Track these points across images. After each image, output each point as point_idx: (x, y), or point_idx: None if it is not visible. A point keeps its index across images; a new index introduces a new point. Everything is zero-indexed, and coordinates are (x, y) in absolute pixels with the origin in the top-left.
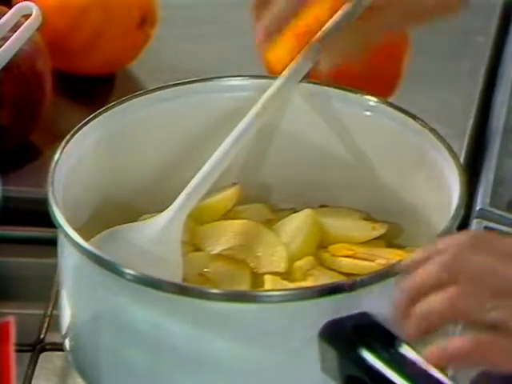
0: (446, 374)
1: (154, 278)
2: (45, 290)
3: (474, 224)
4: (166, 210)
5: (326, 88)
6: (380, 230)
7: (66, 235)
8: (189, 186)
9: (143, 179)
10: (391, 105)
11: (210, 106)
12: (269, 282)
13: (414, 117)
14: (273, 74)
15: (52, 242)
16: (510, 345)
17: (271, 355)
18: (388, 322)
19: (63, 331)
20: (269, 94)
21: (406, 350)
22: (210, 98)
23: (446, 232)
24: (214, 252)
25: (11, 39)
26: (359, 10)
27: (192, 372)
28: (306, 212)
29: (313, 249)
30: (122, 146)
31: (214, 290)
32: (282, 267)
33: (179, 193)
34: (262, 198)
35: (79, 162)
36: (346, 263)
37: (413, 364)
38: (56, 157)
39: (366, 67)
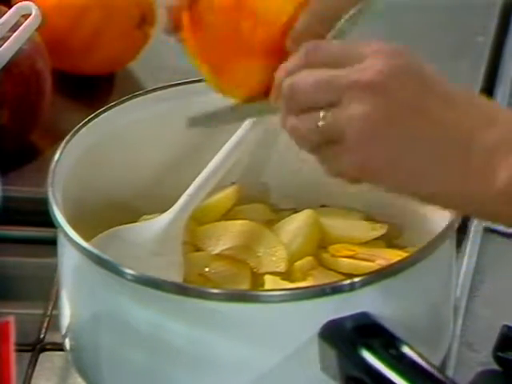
0: (446, 374)
1: (154, 277)
2: (45, 290)
3: (475, 224)
4: (168, 211)
5: None
6: (380, 230)
7: (66, 235)
8: (191, 187)
9: (143, 179)
10: None
11: (210, 106)
12: (269, 281)
13: None
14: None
15: (52, 242)
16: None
17: (271, 355)
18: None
19: (63, 331)
20: None
21: (406, 350)
22: (210, 98)
23: (447, 232)
24: (215, 252)
25: (11, 39)
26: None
27: (192, 372)
28: (307, 212)
29: (313, 249)
30: (122, 146)
31: (215, 290)
32: (282, 267)
33: (179, 193)
34: (263, 198)
35: (79, 162)
36: (346, 263)
37: (413, 364)
38: (56, 157)
39: None
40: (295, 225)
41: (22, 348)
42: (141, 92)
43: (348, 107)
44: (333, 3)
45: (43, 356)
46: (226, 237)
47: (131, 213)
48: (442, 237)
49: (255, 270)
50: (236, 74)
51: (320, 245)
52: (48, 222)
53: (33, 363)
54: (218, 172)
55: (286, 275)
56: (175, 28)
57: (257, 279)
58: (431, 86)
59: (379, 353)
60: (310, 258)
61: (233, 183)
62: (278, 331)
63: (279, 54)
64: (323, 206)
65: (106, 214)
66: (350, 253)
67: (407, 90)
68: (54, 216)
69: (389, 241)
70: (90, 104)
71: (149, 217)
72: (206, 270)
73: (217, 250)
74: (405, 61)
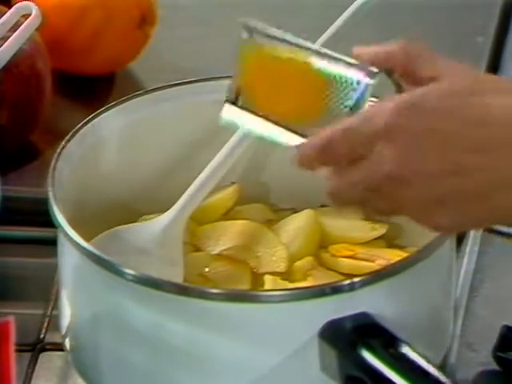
0: (446, 374)
1: (154, 277)
2: (45, 290)
3: None
4: (168, 211)
5: None
6: (380, 230)
7: (66, 235)
8: (191, 187)
9: (143, 179)
10: None
11: (209, 106)
12: (269, 282)
13: None
14: None
15: (52, 242)
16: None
17: (271, 355)
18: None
19: (63, 331)
20: None
21: (406, 350)
22: (209, 98)
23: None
24: (214, 252)
25: (11, 39)
26: None
27: (192, 372)
28: (307, 212)
29: (313, 249)
30: (122, 146)
31: (215, 290)
32: (282, 267)
33: (179, 193)
34: (263, 198)
35: (79, 162)
36: (346, 263)
37: (413, 364)
38: (56, 157)
39: None
40: (295, 225)
41: (22, 348)
42: (141, 92)
43: (390, 200)
44: None
45: (43, 356)
46: (225, 237)
47: (131, 213)
48: (442, 237)
49: (255, 270)
50: None
51: (320, 245)
52: (48, 222)
53: (33, 363)
54: (218, 172)
55: (286, 275)
56: None
57: (257, 279)
58: (454, 138)
59: (379, 353)
60: (309, 258)
61: (233, 183)
62: (277, 331)
63: None
64: (323, 205)
65: (106, 214)
66: (350, 253)
67: (428, 161)
68: (55, 216)
69: (389, 241)
70: (89, 104)
71: (149, 217)
72: (206, 270)
73: (217, 250)
74: (415, 128)
